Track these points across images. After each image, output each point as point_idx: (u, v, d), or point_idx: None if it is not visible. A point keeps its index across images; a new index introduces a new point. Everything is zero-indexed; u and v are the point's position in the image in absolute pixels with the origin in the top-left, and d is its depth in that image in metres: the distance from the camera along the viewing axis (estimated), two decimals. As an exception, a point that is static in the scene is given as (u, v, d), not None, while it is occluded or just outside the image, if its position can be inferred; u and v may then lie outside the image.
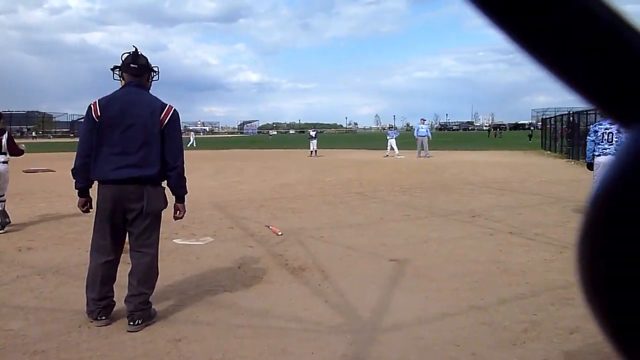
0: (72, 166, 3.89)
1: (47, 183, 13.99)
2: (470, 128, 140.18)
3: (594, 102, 0.26)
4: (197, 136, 57.00)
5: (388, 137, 26.32)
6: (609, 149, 7.36)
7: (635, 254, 0.25)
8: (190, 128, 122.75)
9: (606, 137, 7.59)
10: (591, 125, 8.61)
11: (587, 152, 7.91)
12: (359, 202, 10.17)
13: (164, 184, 3.97)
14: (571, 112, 25.33)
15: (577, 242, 0.26)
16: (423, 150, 24.33)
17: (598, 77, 0.25)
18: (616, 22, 0.25)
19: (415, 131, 25.36)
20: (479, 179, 14.17)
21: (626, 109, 0.25)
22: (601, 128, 7.72)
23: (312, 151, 26.87)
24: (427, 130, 25.10)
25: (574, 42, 0.25)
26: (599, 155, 7.56)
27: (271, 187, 12.81)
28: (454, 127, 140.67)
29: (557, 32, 0.25)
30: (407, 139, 32.39)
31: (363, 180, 14.32)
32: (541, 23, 0.25)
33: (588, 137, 8.03)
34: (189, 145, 42.67)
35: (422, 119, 25.95)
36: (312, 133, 28.24)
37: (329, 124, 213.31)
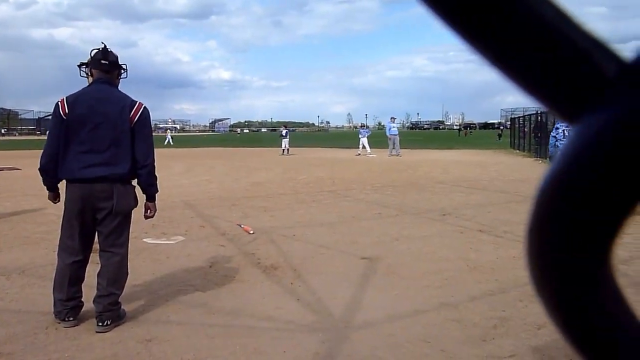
0: (39, 164, 3.81)
1: (13, 182, 13.66)
2: (441, 127, 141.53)
3: (540, 99, 0.27)
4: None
5: (360, 136, 26.48)
6: None
7: (578, 247, 0.25)
8: (162, 126, 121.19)
9: (566, 134, 8.23)
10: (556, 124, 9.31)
11: (550, 148, 8.74)
12: (331, 200, 10.19)
13: (135, 182, 3.92)
14: (539, 112, 25.82)
15: (525, 236, 0.27)
16: (394, 148, 24.55)
17: (542, 75, 0.26)
18: (558, 19, 0.25)
19: (388, 130, 25.56)
20: (449, 178, 14.32)
21: (569, 106, 0.26)
22: (562, 125, 8.44)
23: (283, 150, 26.85)
24: (396, 129, 25.26)
25: (519, 41, 0.26)
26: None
27: (243, 186, 12.74)
28: (425, 126, 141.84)
29: (503, 31, 0.26)
30: (379, 137, 32.56)
31: (335, 178, 14.36)
32: (487, 21, 0.26)
33: (551, 134, 8.79)
34: (165, 143, 42.42)
35: (392, 118, 26.12)
36: (283, 132, 28.22)
37: (301, 123, 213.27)
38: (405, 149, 26.12)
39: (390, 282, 4.87)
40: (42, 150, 3.80)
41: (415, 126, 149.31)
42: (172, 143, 43.19)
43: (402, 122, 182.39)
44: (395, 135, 24.82)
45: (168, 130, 53.47)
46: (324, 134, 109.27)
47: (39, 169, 3.81)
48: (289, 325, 3.85)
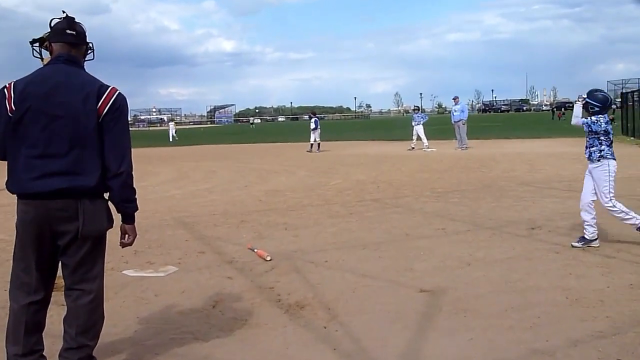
0: None
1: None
2: (524, 108, 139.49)
3: None
4: (150, 128, 56.73)
5: (413, 123, 26.34)
6: None
7: None
8: (144, 118, 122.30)
9: None
10: None
11: None
12: (376, 212, 10.18)
13: (107, 196, 3.93)
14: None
15: None
16: (461, 139, 24.40)
17: None
18: None
19: (452, 115, 25.51)
20: (538, 178, 14.19)
21: None
22: None
23: (312, 144, 26.94)
24: (462, 112, 25.06)
25: None
26: None
27: (255, 196, 12.80)
28: (503, 108, 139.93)
29: None
30: (439, 124, 32.36)
31: (381, 182, 14.33)
32: None
33: None
34: (171, 140, 43.01)
35: (454, 98, 25.91)
36: (312, 122, 28.21)
37: (332, 107, 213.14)
38: (475, 139, 25.92)
39: (461, 323, 4.82)
40: None
41: (489, 108, 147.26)
42: (177, 138, 43.92)
43: (471, 102, 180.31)
44: (458, 121, 24.62)
45: (172, 122, 53.68)
46: (364, 121, 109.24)
47: None
48: (323, 385, 3.84)
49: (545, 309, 5.06)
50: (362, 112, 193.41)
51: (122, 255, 6.69)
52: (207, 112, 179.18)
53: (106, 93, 3.74)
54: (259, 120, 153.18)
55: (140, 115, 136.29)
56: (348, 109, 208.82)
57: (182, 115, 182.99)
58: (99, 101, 3.70)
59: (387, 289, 5.81)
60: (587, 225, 7.13)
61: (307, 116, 30.25)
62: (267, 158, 24.55)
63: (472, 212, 9.79)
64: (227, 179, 16.79)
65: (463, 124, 24.84)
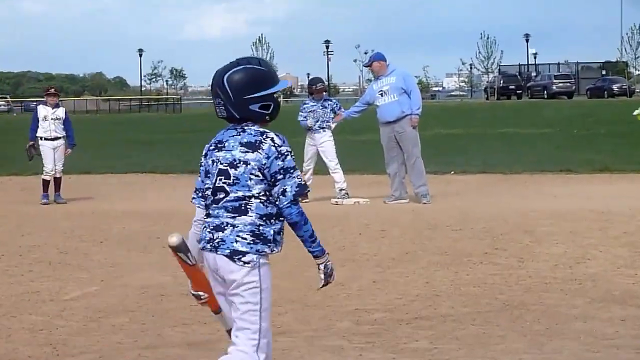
0: None
1: None
2: (614, 88, 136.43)
3: None
4: None
5: (307, 126, 24.09)
6: None
7: None
8: None
9: None
10: None
11: None
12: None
13: None
14: None
15: None
16: (397, 175, 22.49)
17: None
18: None
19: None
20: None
21: None
22: None
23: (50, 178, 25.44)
24: (402, 94, 22.76)
25: None
26: None
27: None
28: (557, 86, 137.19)
29: None
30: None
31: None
32: None
33: None
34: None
35: (371, 62, 23.92)
36: (48, 114, 26.33)
37: (76, 77, 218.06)
38: (474, 173, 24.74)
39: None
40: None
41: (518, 85, 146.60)
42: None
43: (466, 67, 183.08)
44: (395, 121, 22.50)
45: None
46: (173, 117, 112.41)
47: None
48: None
49: None
50: (168, 93, 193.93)
51: None
52: None
53: None
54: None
55: None
56: (120, 84, 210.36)
57: None
58: None
59: None
60: None
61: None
62: None
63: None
64: None
65: (413, 127, 22.55)
